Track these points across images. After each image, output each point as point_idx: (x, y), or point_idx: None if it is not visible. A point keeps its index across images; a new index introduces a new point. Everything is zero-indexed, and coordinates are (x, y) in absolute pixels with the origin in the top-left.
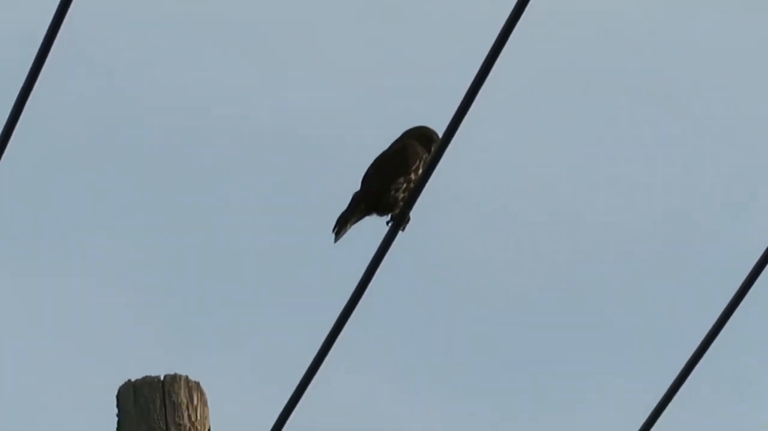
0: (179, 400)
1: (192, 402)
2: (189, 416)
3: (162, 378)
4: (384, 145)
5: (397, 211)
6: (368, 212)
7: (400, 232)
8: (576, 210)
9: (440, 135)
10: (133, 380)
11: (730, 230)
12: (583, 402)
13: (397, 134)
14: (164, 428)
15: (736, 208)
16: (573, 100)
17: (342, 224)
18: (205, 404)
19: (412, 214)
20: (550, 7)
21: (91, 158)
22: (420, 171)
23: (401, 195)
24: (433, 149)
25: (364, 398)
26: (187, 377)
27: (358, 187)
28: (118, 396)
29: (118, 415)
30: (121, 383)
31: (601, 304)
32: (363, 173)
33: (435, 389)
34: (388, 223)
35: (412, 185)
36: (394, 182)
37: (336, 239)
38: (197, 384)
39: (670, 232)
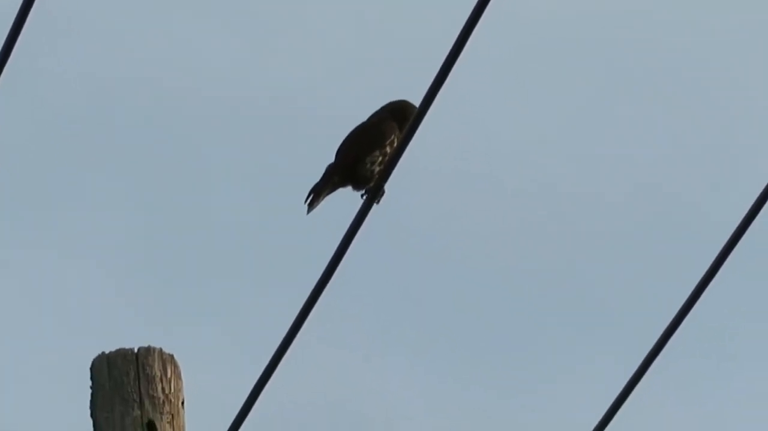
0: (153, 373)
1: (166, 375)
2: (163, 388)
3: (136, 350)
4: (361, 117)
5: (372, 184)
6: (343, 184)
7: (375, 205)
8: (555, 181)
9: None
10: (107, 352)
11: (708, 201)
12: (561, 372)
13: (374, 106)
14: (138, 400)
15: (714, 179)
16: (553, 69)
17: (315, 196)
18: (179, 376)
19: (387, 187)
20: None
21: (68, 131)
22: (395, 145)
23: (377, 168)
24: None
25: (338, 370)
26: (161, 349)
27: (333, 159)
28: (91, 368)
29: (91, 387)
30: (95, 355)
31: (580, 275)
32: (338, 146)
33: (410, 361)
34: (362, 196)
35: (387, 158)
36: (369, 154)
37: (309, 211)
38: (171, 356)
39: (648, 202)
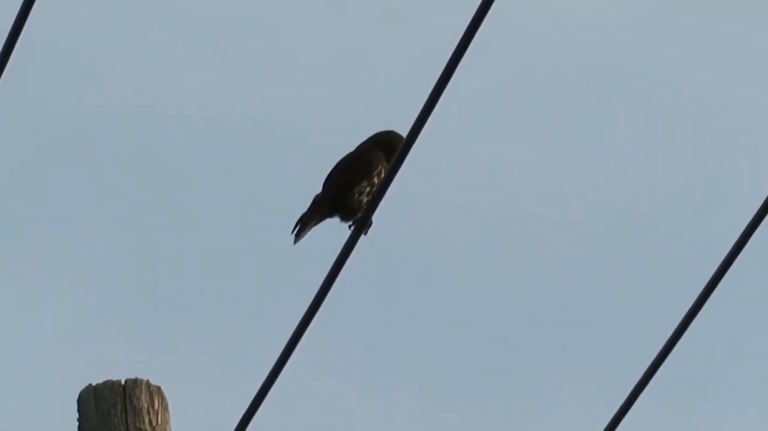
0: (140, 405)
1: (153, 407)
2: (150, 420)
3: (123, 382)
4: (349, 147)
5: (359, 215)
6: (330, 215)
7: (362, 236)
8: (541, 210)
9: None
10: (94, 384)
11: (694, 230)
12: (547, 401)
13: (362, 135)
14: None
15: (699, 208)
16: (536, 98)
17: (302, 226)
18: (165, 408)
19: (374, 218)
20: (516, 5)
21: (55, 159)
22: (383, 175)
23: (364, 199)
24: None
25: (327, 400)
26: (148, 381)
27: (320, 189)
28: (78, 400)
29: (78, 419)
30: (82, 387)
31: (564, 303)
32: (325, 175)
33: (400, 390)
34: (350, 227)
35: (374, 189)
36: (356, 185)
37: (295, 241)
38: (158, 388)
39: (634, 231)
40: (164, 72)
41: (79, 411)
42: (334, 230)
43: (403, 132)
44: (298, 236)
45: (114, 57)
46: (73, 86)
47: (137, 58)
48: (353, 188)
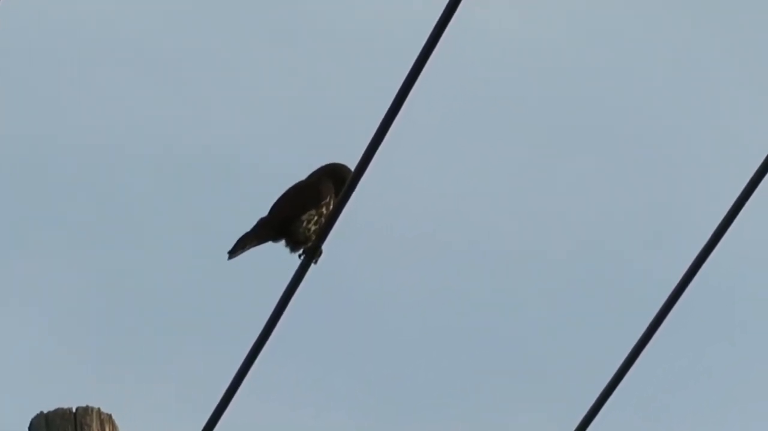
0: None
1: None
2: None
3: (74, 409)
4: (298, 177)
5: (309, 244)
6: (274, 239)
7: (312, 265)
8: (496, 240)
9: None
10: (45, 411)
11: (646, 260)
12: (502, 427)
13: (310, 167)
14: None
15: (652, 239)
16: (493, 127)
17: (240, 244)
18: None
19: (324, 247)
20: (469, 37)
21: (12, 185)
22: (331, 206)
23: (312, 227)
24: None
25: (278, 426)
26: (99, 409)
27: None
28: (30, 428)
29: None
30: (33, 414)
31: (516, 333)
32: (273, 202)
33: (348, 420)
34: (300, 256)
35: (323, 219)
36: (304, 213)
37: (230, 257)
38: (109, 416)
39: (587, 262)
40: (118, 101)
41: None
42: (284, 259)
43: (353, 163)
44: (233, 253)
45: (68, 88)
46: (29, 115)
47: (87, 90)
48: (301, 216)
